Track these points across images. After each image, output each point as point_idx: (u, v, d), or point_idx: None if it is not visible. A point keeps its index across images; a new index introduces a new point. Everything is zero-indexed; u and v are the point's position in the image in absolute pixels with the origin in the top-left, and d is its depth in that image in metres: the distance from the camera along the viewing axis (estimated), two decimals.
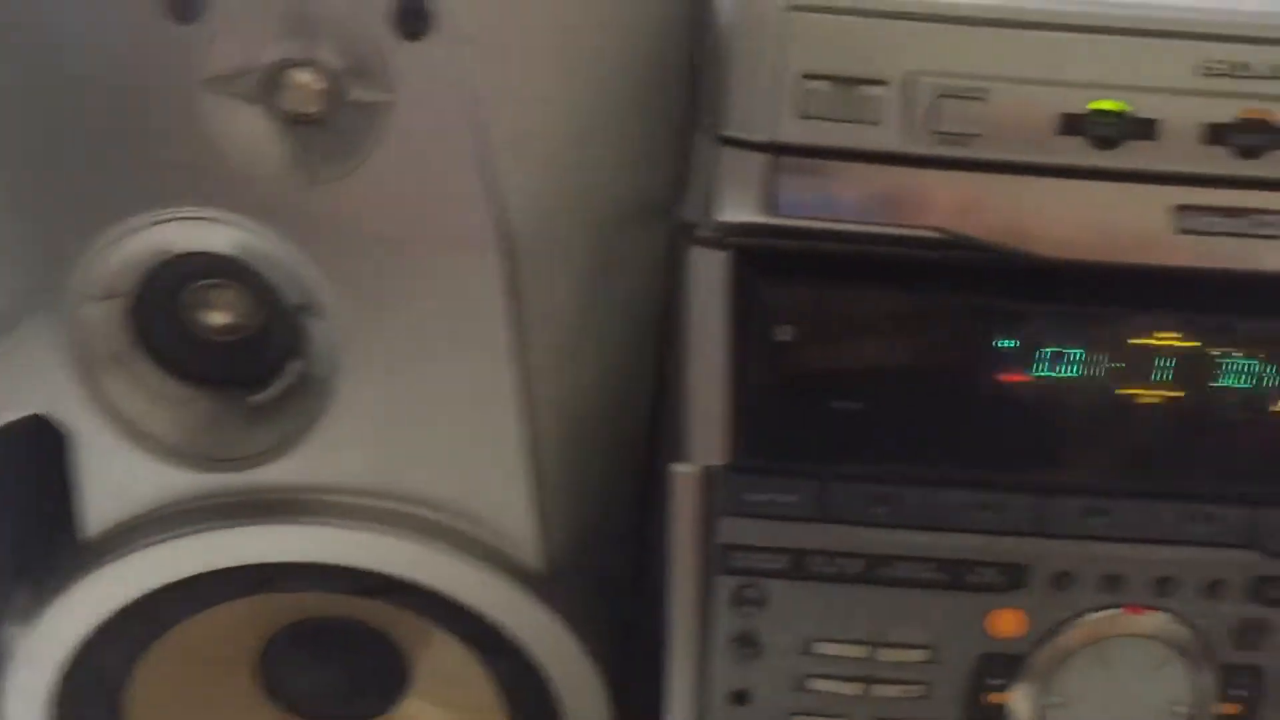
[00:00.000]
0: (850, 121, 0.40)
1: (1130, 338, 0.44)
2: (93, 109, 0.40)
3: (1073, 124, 0.40)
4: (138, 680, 0.49)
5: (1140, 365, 0.44)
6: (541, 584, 0.46)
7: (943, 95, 0.40)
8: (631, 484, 0.51)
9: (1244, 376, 0.45)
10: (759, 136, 0.41)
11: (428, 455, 0.45)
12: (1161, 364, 0.45)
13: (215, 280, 0.44)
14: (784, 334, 0.44)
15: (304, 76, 0.39)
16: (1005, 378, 0.44)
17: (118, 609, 0.46)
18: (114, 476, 0.45)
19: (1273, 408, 0.45)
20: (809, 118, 0.40)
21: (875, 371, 0.45)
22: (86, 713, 0.49)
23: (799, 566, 0.47)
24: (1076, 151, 0.41)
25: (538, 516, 0.46)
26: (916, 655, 0.48)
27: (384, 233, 0.41)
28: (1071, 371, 0.45)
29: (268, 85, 0.39)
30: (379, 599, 0.46)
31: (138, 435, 0.44)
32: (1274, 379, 0.44)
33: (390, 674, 0.54)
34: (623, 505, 0.51)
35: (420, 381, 0.43)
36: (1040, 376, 0.44)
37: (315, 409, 0.43)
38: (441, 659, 0.52)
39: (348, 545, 0.45)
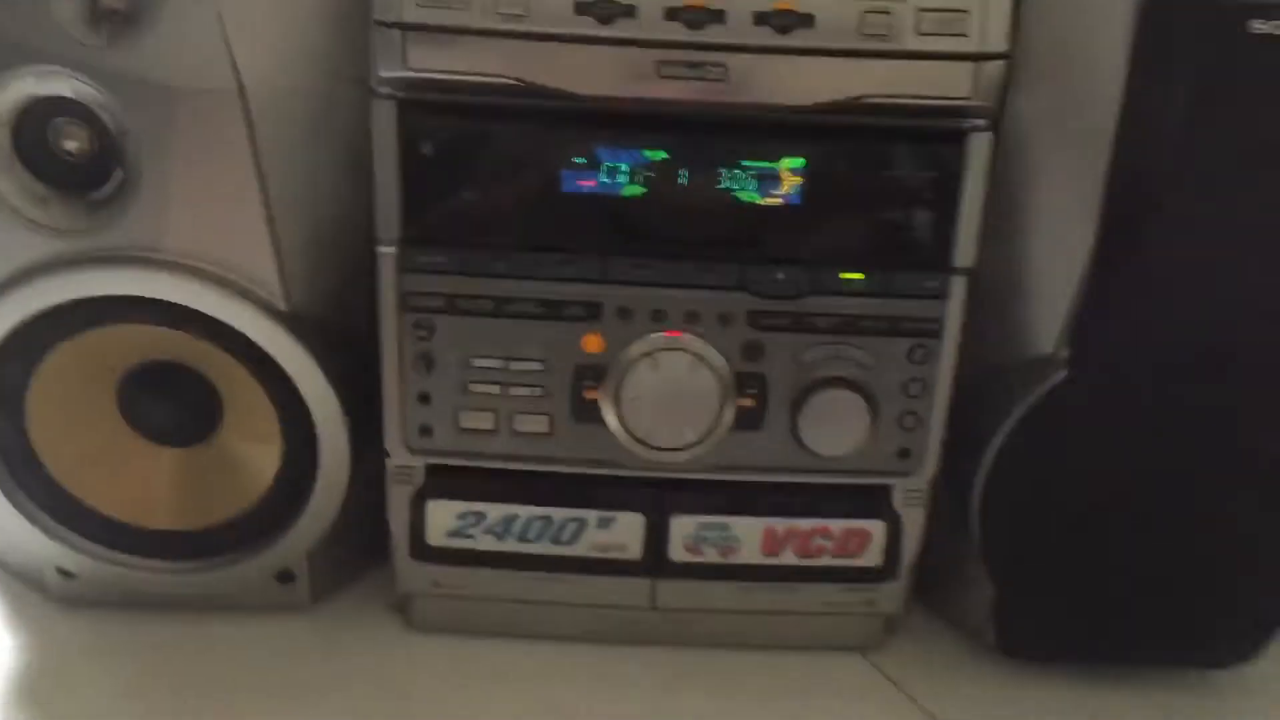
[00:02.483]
0: (448, 8, 0.65)
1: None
2: None
3: (582, 7, 0.65)
4: (34, 390, 0.73)
5: (668, 173, 0.69)
6: (288, 320, 0.71)
7: None
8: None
9: (735, 181, 0.69)
10: (393, 18, 0.66)
11: (204, 227, 0.69)
12: (681, 173, 0.70)
13: (67, 117, 0.69)
14: (426, 148, 0.69)
15: None
16: (579, 182, 0.69)
17: (9, 331, 0.71)
18: (4, 247, 0.70)
19: (754, 201, 0.69)
20: (423, 5, 0.65)
21: (491, 176, 0.69)
22: (2, 413, 0.74)
23: (452, 306, 0.72)
24: (588, 25, 0.65)
25: (280, 274, 0.71)
26: (535, 366, 0.73)
27: (165, 84, 0.66)
28: (623, 179, 0.70)
29: None
30: (174, 328, 0.71)
31: (20, 219, 0.69)
32: (751, 184, 0.69)
33: (208, 408, 0.78)
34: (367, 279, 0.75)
35: (200, 182, 0.68)
36: (601, 181, 0.69)
37: (130, 200, 0.69)
38: (243, 394, 0.76)
39: (150, 282, 0.69)
